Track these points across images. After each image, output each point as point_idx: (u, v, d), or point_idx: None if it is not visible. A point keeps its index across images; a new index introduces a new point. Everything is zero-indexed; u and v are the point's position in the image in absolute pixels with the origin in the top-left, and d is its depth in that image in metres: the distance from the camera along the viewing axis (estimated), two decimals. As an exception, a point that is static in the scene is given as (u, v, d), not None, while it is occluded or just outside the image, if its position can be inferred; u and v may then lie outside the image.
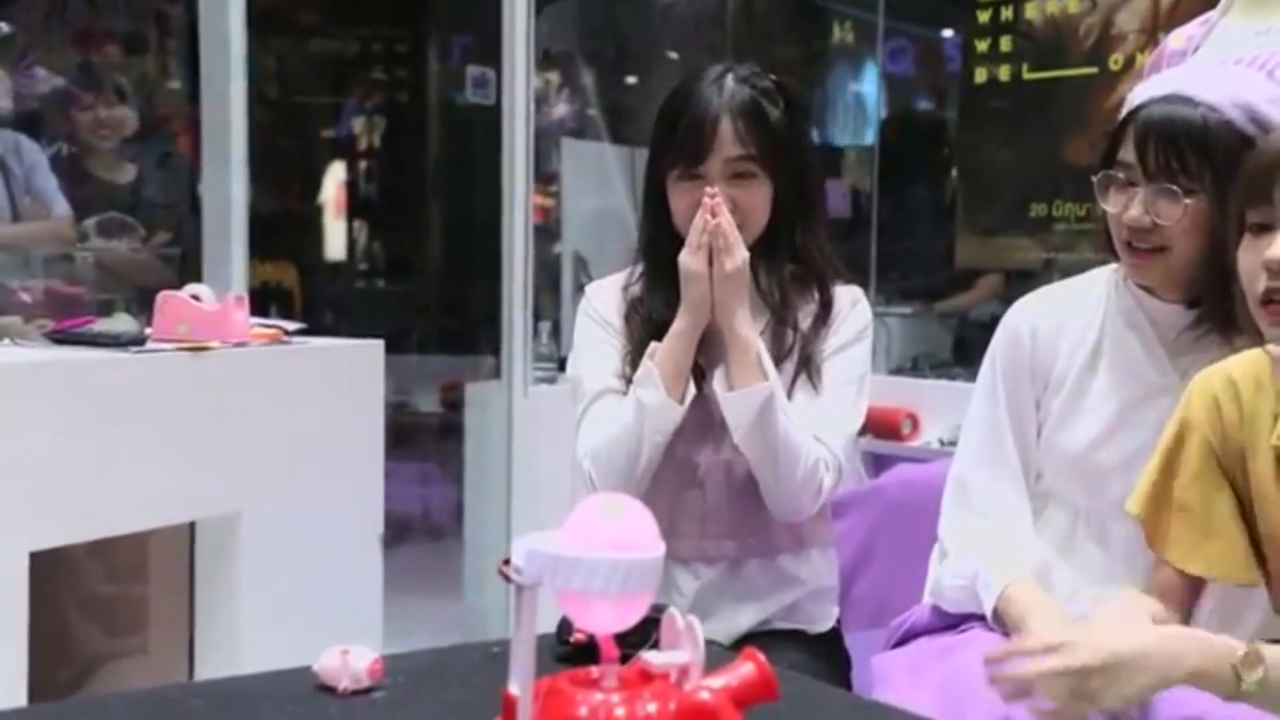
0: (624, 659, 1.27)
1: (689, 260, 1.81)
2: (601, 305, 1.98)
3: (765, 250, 1.90)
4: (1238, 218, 1.38)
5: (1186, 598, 1.49)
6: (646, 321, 1.91)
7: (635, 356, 1.89)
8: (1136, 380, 1.71)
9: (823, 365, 1.90)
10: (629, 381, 1.88)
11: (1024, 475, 1.84)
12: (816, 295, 1.92)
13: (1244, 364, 1.47)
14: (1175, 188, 1.60)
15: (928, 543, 1.89)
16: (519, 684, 0.95)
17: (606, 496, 0.96)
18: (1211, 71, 1.84)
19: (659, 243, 1.93)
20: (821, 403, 1.88)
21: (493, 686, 1.23)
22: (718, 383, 1.83)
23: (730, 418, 1.80)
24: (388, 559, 2.83)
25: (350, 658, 1.22)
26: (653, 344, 1.86)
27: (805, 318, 1.90)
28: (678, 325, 1.84)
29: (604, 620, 0.94)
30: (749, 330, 1.82)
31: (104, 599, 2.89)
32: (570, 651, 1.33)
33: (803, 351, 1.89)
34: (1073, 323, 1.82)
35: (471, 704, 1.19)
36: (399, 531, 3.48)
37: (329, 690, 1.21)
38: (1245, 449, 1.44)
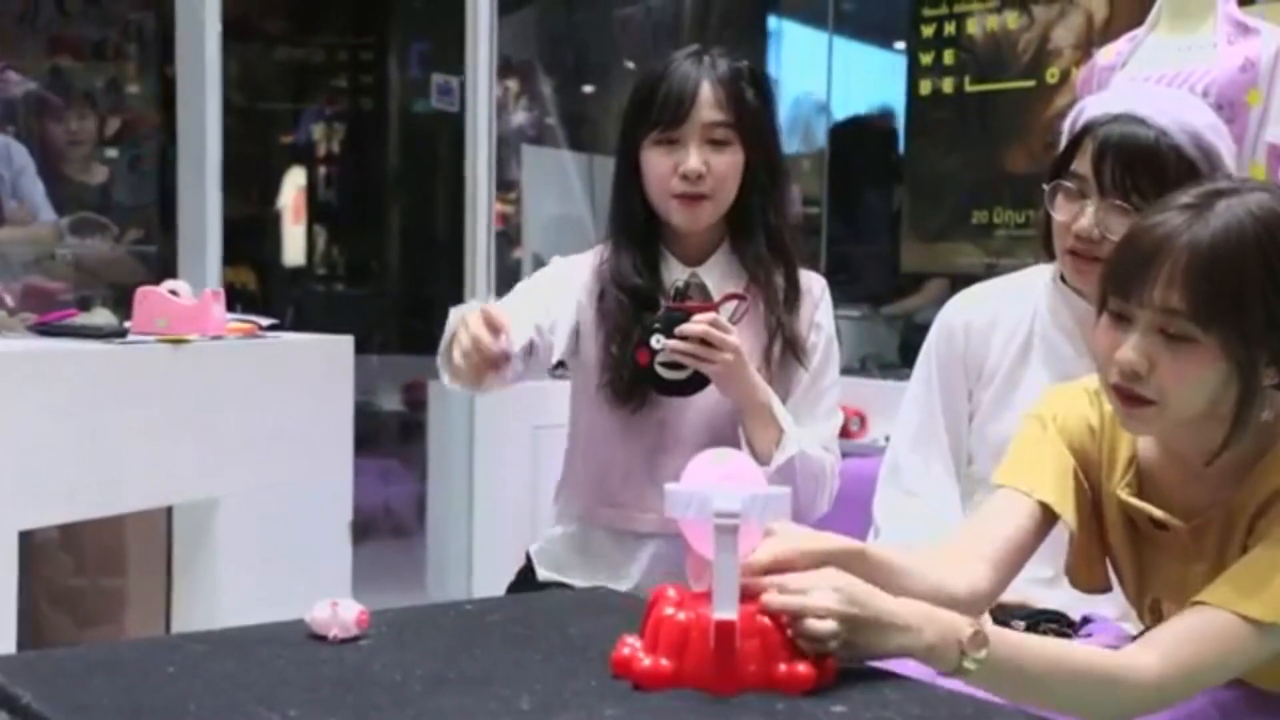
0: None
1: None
2: (565, 272, 1.99)
3: (738, 220, 1.94)
4: (1101, 293, 1.39)
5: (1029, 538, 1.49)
6: (618, 298, 1.92)
7: (612, 336, 1.91)
8: (1064, 377, 1.80)
9: (815, 365, 1.93)
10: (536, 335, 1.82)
11: (954, 460, 1.96)
12: (784, 276, 1.95)
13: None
14: (1127, 205, 1.70)
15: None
16: (727, 610, 1.15)
17: (715, 451, 1.24)
18: (1160, 95, 1.95)
19: (631, 213, 1.95)
20: (815, 413, 1.94)
21: (467, 635, 1.36)
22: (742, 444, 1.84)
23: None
24: (353, 556, 2.91)
25: (339, 609, 1.32)
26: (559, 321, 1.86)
27: (774, 294, 1.93)
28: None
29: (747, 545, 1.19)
30: (763, 396, 1.83)
31: (77, 591, 2.96)
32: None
33: (783, 331, 1.92)
34: (1005, 318, 1.94)
35: (448, 649, 1.30)
36: (363, 529, 3.56)
37: (320, 638, 1.32)
38: (1102, 481, 1.52)
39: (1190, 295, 1.29)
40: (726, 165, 1.89)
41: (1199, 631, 1.30)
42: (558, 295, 1.95)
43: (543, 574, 2.04)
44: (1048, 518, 1.49)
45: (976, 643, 1.21)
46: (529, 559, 2.09)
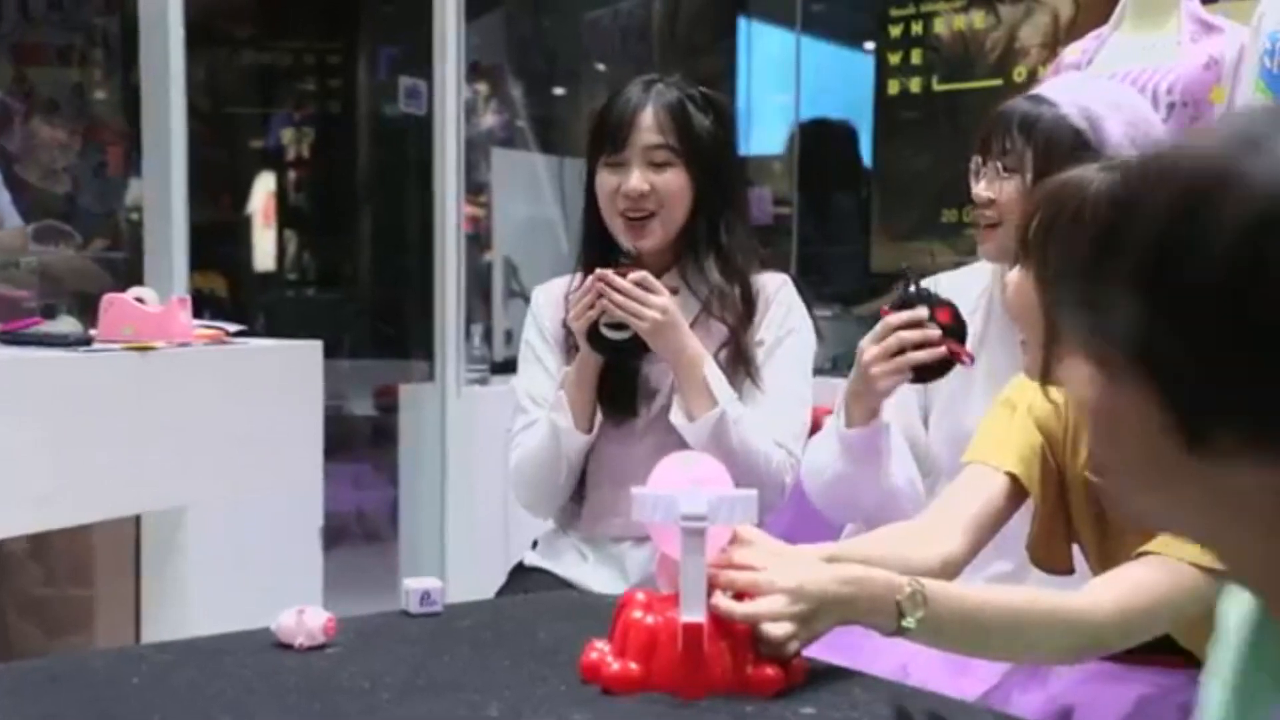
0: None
1: (572, 324, 1.95)
2: (544, 310, 2.11)
3: (688, 244, 2.02)
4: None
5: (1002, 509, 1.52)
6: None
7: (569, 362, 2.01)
8: (1018, 362, 1.86)
9: (760, 362, 1.99)
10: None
11: (911, 449, 1.97)
12: (739, 290, 2.01)
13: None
14: (1000, 165, 1.79)
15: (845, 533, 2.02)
16: (694, 613, 1.15)
17: (683, 454, 1.28)
18: (1070, 79, 2.02)
19: (593, 238, 2.06)
20: (769, 404, 1.98)
21: (436, 642, 1.35)
22: (675, 408, 1.93)
23: (690, 441, 1.90)
24: (324, 562, 2.90)
25: (306, 616, 1.32)
26: (564, 370, 1.99)
27: (730, 311, 2.00)
28: (579, 358, 1.97)
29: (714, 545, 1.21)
30: (693, 356, 1.92)
31: (45, 601, 2.93)
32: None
33: (734, 343, 1.98)
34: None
35: (416, 657, 1.30)
36: (335, 535, 3.55)
37: (286, 646, 1.31)
38: (1068, 462, 1.54)
39: None
40: (670, 184, 1.97)
41: (1153, 578, 1.33)
42: (551, 352, 2.08)
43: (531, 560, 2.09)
44: (1016, 491, 1.51)
45: (915, 602, 1.22)
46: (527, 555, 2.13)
